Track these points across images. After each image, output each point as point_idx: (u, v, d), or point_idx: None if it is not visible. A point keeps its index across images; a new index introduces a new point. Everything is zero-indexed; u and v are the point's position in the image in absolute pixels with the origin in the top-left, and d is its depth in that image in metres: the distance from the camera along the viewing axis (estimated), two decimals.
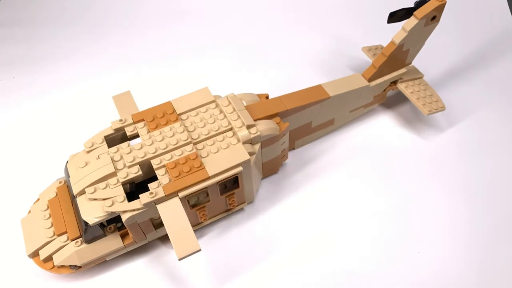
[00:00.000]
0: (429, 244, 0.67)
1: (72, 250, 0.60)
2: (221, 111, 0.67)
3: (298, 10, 1.11)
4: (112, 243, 0.62)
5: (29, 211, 0.65)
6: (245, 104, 0.69)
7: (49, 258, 0.61)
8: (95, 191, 0.58)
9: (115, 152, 0.62)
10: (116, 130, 0.65)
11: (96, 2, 1.17)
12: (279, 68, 0.96)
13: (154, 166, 0.60)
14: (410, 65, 0.83)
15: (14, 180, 0.79)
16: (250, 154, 0.63)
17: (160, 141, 0.62)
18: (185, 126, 0.64)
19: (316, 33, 1.04)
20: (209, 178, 0.59)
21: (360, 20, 1.07)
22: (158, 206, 0.58)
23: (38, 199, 0.66)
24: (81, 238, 0.61)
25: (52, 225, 0.62)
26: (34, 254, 0.62)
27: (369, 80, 0.78)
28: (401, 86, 0.81)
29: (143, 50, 1.03)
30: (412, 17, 0.72)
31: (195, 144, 0.63)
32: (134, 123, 0.65)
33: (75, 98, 0.93)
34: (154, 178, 0.62)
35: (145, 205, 0.57)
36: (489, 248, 0.66)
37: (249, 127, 0.64)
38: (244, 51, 1.01)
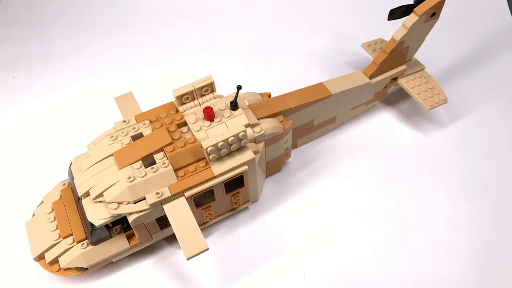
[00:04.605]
0: (429, 244, 0.67)
1: (78, 252, 0.60)
2: None
3: (296, 9, 1.11)
4: (118, 244, 0.62)
5: (33, 214, 0.65)
6: (248, 103, 0.69)
7: (55, 261, 0.61)
8: (100, 193, 0.58)
9: None
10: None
11: (96, 2, 1.16)
12: (279, 67, 0.96)
13: None
14: (411, 61, 0.83)
15: (17, 183, 0.78)
16: (255, 152, 0.63)
17: None
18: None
19: (315, 31, 1.04)
20: (214, 177, 0.59)
21: (358, 17, 1.07)
22: (165, 206, 0.58)
23: (42, 202, 0.66)
24: (87, 240, 0.60)
25: (57, 227, 0.62)
26: (40, 257, 0.61)
27: (370, 77, 0.78)
28: (401, 82, 0.81)
29: (143, 51, 1.03)
30: (412, 14, 0.72)
31: None
32: (137, 123, 0.65)
33: (76, 99, 0.92)
34: None
35: (152, 205, 0.57)
36: (489, 248, 0.66)
37: (253, 126, 0.64)
38: (244, 51, 1.01)
